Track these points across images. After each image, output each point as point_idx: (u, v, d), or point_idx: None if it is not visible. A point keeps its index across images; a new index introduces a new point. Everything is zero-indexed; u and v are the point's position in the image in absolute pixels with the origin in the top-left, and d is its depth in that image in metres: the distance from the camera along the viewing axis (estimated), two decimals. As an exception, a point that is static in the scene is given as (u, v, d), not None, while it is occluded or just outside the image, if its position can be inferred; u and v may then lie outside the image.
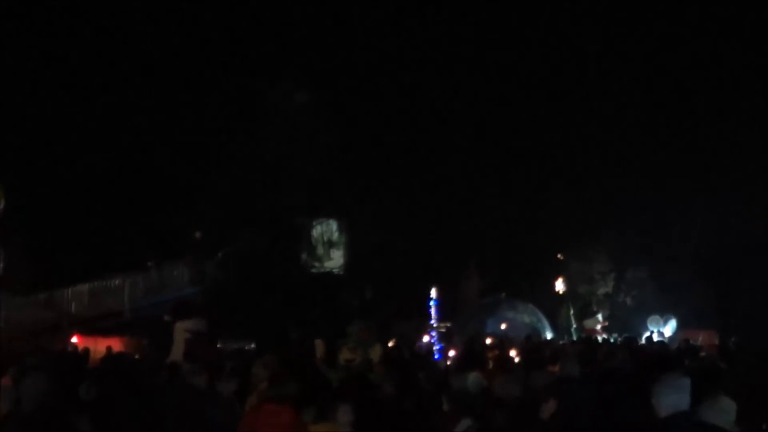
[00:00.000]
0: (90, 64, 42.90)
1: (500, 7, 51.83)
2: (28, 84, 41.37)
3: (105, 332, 32.81)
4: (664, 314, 43.28)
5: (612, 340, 36.65)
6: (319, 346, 17.03)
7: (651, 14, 51.28)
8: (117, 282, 36.66)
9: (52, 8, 43.32)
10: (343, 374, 14.38)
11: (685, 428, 8.00)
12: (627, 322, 45.98)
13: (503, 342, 29.17)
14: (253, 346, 24.64)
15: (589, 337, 37.82)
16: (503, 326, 39.72)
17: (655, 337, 38.30)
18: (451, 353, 26.05)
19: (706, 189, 46.08)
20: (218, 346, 23.87)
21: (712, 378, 14.44)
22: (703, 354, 24.09)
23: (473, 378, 13.55)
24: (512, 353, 24.31)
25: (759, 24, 48.05)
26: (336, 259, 27.99)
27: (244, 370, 14.47)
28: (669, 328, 42.38)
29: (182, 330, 21.48)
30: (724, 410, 8.72)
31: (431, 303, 32.00)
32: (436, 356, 26.06)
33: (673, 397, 7.91)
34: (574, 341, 33.55)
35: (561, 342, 35.48)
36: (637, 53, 51.34)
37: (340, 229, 28.43)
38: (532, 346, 26.48)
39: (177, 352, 19.92)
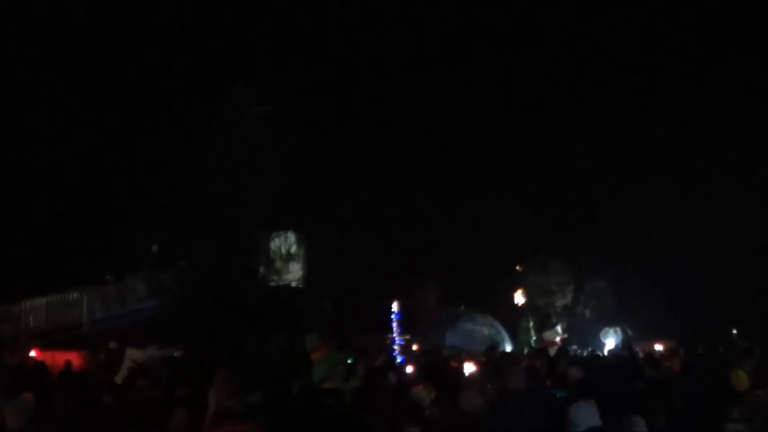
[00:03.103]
0: (47, 78, 42.70)
1: (466, 21, 52.05)
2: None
3: (63, 346, 32.61)
4: (615, 327, 43.57)
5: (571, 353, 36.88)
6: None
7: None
8: (75, 295, 36.41)
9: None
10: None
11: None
12: (586, 333, 46.17)
13: (461, 355, 29.19)
14: (178, 353, 24.69)
15: (543, 348, 37.92)
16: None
17: (606, 350, 38.60)
18: (409, 368, 26.06)
19: (664, 198, 46.56)
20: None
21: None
22: (666, 364, 24.20)
23: (418, 392, 13.83)
24: (470, 366, 24.31)
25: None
26: (294, 272, 27.99)
27: (176, 377, 14.68)
28: (612, 340, 42.67)
29: (129, 358, 21.64)
30: (632, 424, 9.78)
31: (392, 316, 32.02)
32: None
33: (583, 415, 8.99)
34: (529, 353, 33.57)
35: (520, 355, 35.53)
36: (591, 64, 51.67)
37: (299, 241, 28.43)
38: (494, 358, 26.49)
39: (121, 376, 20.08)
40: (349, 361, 16.65)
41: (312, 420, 11.45)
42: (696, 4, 50.32)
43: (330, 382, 14.68)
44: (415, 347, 33.31)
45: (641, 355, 30.70)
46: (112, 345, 27.25)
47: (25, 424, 10.27)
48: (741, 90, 49.16)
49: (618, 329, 43.13)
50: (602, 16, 51.17)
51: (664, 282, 46.31)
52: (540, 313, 49.03)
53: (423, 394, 14.41)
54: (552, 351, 35.18)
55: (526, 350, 40.89)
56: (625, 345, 39.51)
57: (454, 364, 25.00)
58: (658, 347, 34.11)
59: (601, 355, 35.36)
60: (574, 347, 42.51)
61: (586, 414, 9.58)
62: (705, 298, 45.34)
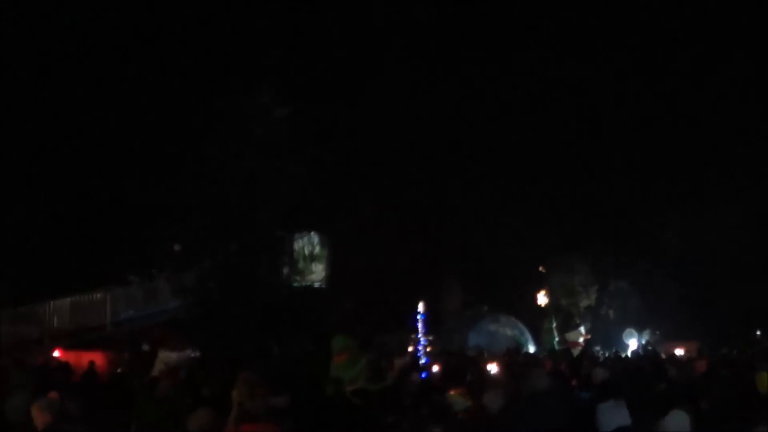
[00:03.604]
0: (68, 80, 42.83)
1: (484, 24, 51.98)
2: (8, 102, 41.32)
3: (87, 346, 32.67)
4: (640, 328, 43.55)
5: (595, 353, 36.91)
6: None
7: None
8: (99, 296, 36.47)
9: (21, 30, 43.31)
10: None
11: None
12: (609, 334, 46.09)
13: (483, 355, 29.26)
14: (196, 353, 24.83)
15: (567, 349, 37.93)
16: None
17: (630, 351, 38.65)
18: (435, 368, 26.08)
19: (687, 199, 46.42)
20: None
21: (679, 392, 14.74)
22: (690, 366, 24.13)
23: (454, 397, 13.79)
24: (493, 366, 24.32)
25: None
26: (317, 273, 28.00)
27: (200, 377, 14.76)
28: (635, 341, 42.68)
29: (162, 360, 21.67)
30: (674, 421, 9.52)
31: (417, 317, 31.99)
32: (422, 374, 26.08)
33: (612, 415, 8.88)
34: (551, 354, 33.58)
35: (542, 355, 35.53)
36: (611, 65, 51.52)
37: (322, 242, 28.47)
38: (516, 359, 26.54)
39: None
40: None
41: (339, 421, 11.44)
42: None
43: (357, 383, 14.68)
44: (428, 349, 33.24)
45: (663, 356, 30.71)
46: (145, 347, 27.26)
47: (52, 424, 10.30)
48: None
49: (646, 331, 43.17)
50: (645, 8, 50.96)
51: (688, 283, 46.15)
52: (563, 313, 48.96)
53: (459, 399, 14.30)
54: (575, 352, 35.22)
55: (548, 350, 40.90)
56: (645, 346, 39.61)
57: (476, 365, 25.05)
58: (682, 349, 34.03)
59: (624, 356, 35.34)
60: (597, 348, 42.50)
61: (615, 414, 9.50)
62: (729, 299, 45.17)
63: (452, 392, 14.48)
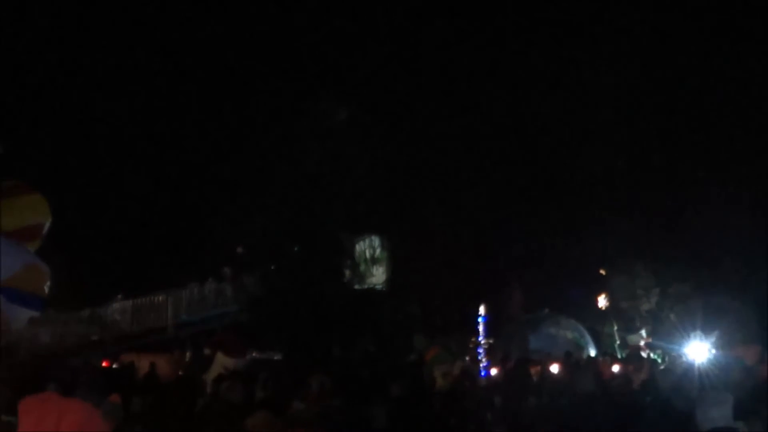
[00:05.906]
0: (136, 85, 43.26)
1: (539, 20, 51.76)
2: (75, 104, 41.77)
3: (148, 348, 32.91)
4: (707, 331, 43.06)
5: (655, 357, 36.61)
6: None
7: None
8: (160, 298, 36.74)
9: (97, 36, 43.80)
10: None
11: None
12: (671, 338, 45.66)
13: (545, 358, 29.15)
14: (278, 357, 24.96)
15: (633, 353, 37.67)
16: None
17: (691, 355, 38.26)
18: (494, 371, 26.04)
19: (751, 199, 45.90)
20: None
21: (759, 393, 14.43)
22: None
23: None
24: (555, 368, 24.30)
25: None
26: (378, 276, 27.98)
27: (275, 381, 14.74)
28: (697, 344, 42.26)
29: (220, 364, 21.79)
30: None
31: (479, 319, 31.92)
32: (482, 373, 26.05)
33: (713, 412, 8.15)
34: (612, 357, 33.32)
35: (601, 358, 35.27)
36: (677, 60, 51.09)
37: (383, 245, 28.45)
38: (570, 363, 26.40)
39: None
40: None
41: (402, 424, 11.42)
42: None
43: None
44: (485, 349, 33.17)
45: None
46: (207, 352, 27.41)
47: (116, 427, 10.31)
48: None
49: (713, 333, 42.71)
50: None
51: (751, 287, 45.57)
52: (624, 317, 48.54)
53: None
54: (636, 355, 35.01)
55: (606, 355, 40.62)
56: (708, 350, 39.17)
57: (537, 369, 24.98)
58: (744, 353, 33.56)
59: (686, 359, 35.03)
60: (659, 351, 42.13)
61: (717, 410, 8.37)
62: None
63: None
